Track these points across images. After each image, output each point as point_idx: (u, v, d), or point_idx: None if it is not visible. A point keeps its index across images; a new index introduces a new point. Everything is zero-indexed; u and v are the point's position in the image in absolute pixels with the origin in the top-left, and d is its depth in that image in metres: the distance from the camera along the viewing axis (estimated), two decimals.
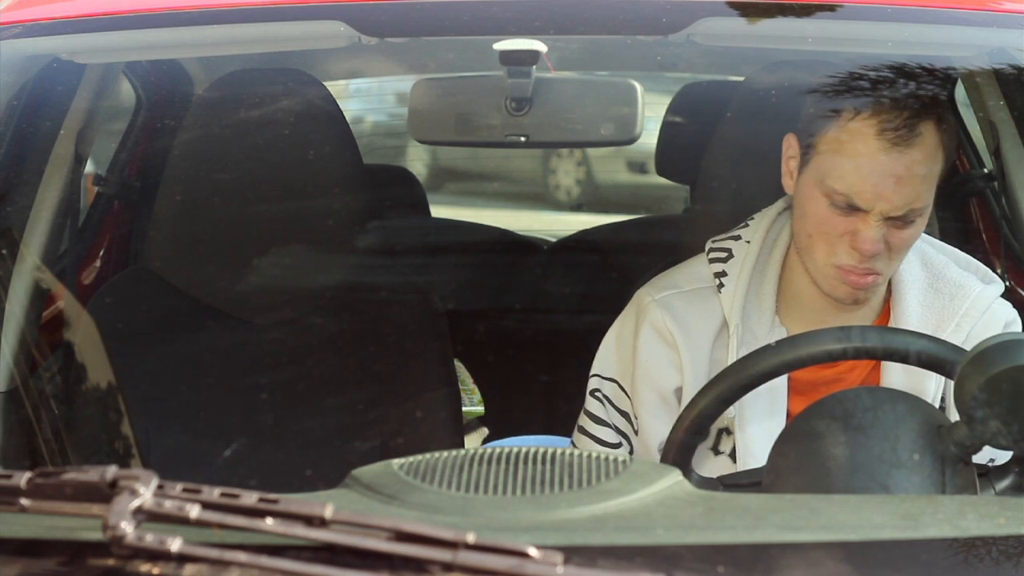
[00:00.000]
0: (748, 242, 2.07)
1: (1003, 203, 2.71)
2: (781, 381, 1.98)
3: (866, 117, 1.88)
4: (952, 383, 1.96)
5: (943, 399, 1.99)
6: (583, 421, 2.14)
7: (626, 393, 2.09)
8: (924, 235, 2.11)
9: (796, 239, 2.02)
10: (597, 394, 2.13)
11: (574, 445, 2.14)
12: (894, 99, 1.89)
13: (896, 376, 2.00)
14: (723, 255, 2.07)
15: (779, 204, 2.10)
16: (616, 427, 2.11)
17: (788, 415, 2.00)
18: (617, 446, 2.10)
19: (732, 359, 1.97)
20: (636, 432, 2.09)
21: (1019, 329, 2.05)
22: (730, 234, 2.10)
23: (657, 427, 2.05)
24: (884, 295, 2.06)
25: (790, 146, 2.00)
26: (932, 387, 1.99)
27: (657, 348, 2.05)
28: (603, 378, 2.13)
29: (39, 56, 2.25)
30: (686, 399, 2.01)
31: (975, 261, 2.11)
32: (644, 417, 2.07)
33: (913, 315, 2.00)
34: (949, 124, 1.92)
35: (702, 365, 2.03)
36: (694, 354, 2.03)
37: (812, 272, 1.99)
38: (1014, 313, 2.06)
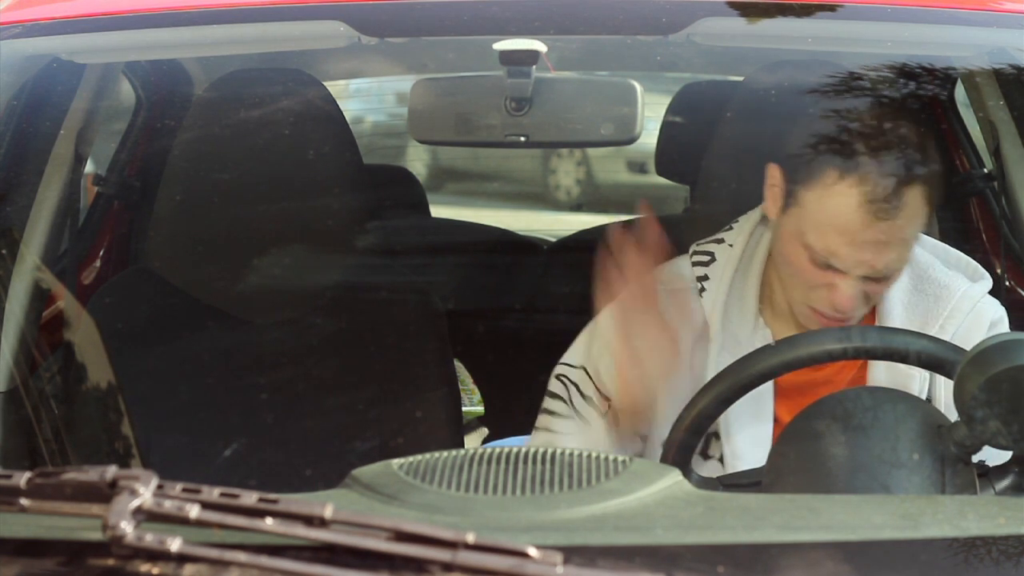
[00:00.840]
0: (731, 246, 2.06)
1: (1003, 203, 2.71)
2: (767, 384, 1.98)
3: (851, 184, 1.82)
4: (938, 384, 1.97)
5: (928, 400, 1.99)
6: (545, 401, 2.12)
7: (593, 380, 2.08)
8: None
9: (776, 267, 2.01)
10: (567, 377, 2.10)
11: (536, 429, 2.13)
12: (881, 168, 1.82)
13: (880, 378, 1.99)
14: (706, 259, 2.07)
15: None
16: (574, 407, 2.09)
17: (775, 418, 2.00)
18: (566, 417, 2.08)
19: (712, 363, 1.98)
20: (603, 415, 2.07)
21: (1005, 327, 2.05)
22: (713, 237, 2.09)
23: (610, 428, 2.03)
24: None
25: (773, 176, 1.95)
26: (915, 388, 1.98)
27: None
28: (571, 366, 2.11)
29: (39, 56, 2.25)
30: (661, 400, 2.01)
31: (964, 257, 2.10)
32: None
33: (897, 317, 2.00)
34: (935, 179, 1.87)
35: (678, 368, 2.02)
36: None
37: (789, 301, 1.99)
38: (1001, 311, 2.06)
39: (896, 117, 1.91)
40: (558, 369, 2.13)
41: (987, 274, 2.08)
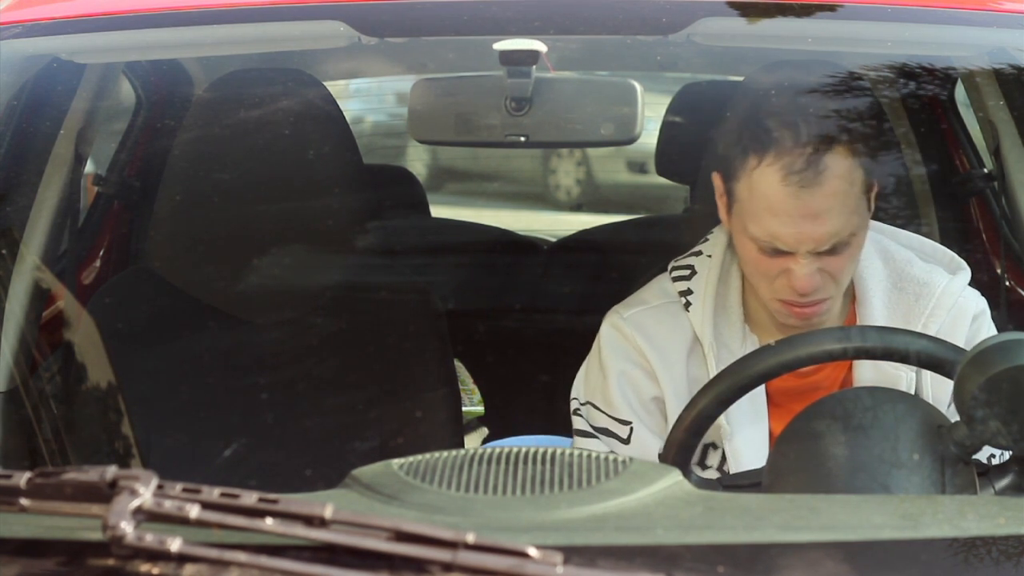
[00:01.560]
0: (709, 256, 2.06)
1: (1003, 203, 2.71)
2: (760, 392, 1.97)
3: (769, 163, 1.85)
4: (925, 384, 1.97)
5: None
6: (575, 441, 2.13)
7: (601, 410, 2.08)
8: (886, 227, 2.09)
9: (744, 273, 2.02)
10: (579, 412, 2.12)
11: None
12: (793, 139, 1.85)
13: (867, 381, 1.99)
14: (686, 272, 2.06)
15: None
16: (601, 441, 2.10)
17: (769, 427, 2.00)
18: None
19: (712, 374, 1.97)
20: (627, 441, 2.08)
21: (988, 319, 2.05)
22: (691, 251, 2.09)
23: (647, 438, 2.04)
24: (849, 297, 2.05)
25: (717, 185, 1.98)
26: (903, 389, 1.98)
27: (628, 360, 2.05)
28: (580, 402, 2.12)
29: (39, 56, 2.25)
30: (670, 409, 2.01)
31: (941, 248, 2.10)
32: (636, 428, 2.06)
33: (879, 318, 1.99)
34: (859, 140, 1.89)
35: (680, 381, 2.02)
36: (670, 371, 2.02)
37: (763, 303, 1.99)
38: (982, 303, 2.05)
39: (809, 92, 1.93)
40: (572, 404, 2.14)
41: (965, 264, 2.07)
